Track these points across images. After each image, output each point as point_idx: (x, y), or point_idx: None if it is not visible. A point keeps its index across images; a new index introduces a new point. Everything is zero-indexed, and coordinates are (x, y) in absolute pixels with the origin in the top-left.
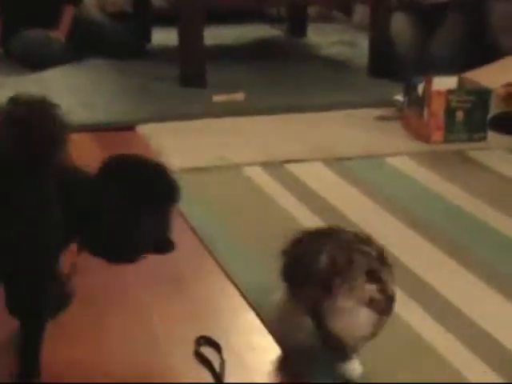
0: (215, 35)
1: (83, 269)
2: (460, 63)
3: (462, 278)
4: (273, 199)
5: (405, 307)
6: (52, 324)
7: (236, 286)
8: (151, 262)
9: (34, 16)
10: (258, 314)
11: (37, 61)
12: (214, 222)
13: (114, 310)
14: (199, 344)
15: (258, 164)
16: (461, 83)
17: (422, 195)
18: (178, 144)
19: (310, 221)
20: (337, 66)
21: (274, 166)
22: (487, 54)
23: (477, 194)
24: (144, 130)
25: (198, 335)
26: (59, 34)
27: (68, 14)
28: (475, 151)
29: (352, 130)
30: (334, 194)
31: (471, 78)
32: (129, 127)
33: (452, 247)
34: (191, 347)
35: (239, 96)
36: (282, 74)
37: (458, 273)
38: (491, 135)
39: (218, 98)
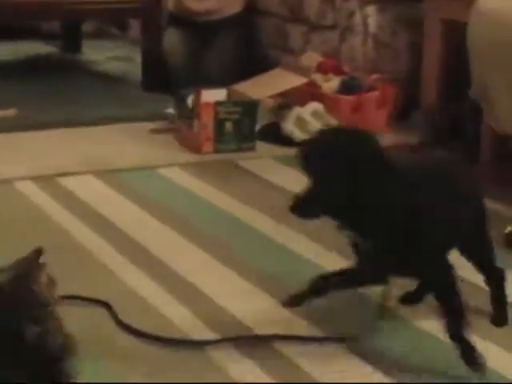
0: None
1: None
2: (231, 76)
3: (229, 279)
4: (45, 213)
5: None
6: None
7: None
8: None
9: None
10: None
11: None
12: None
13: None
14: None
15: (29, 178)
16: (230, 95)
17: (193, 203)
18: None
19: (82, 233)
20: (112, 81)
21: (46, 180)
22: (257, 66)
23: (245, 201)
24: None
25: None
26: None
27: None
28: (244, 160)
29: (125, 143)
30: (106, 206)
31: (240, 90)
32: None
33: (215, 247)
34: None
35: (10, 112)
36: (56, 90)
37: (225, 276)
38: (260, 145)
39: None
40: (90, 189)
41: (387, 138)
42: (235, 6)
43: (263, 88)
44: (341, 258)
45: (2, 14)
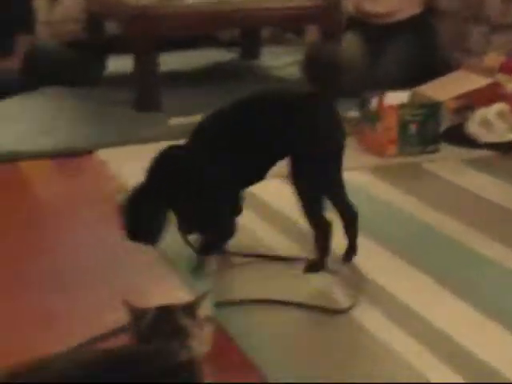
0: (171, 61)
1: None
2: (409, 80)
3: (421, 283)
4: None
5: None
6: None
7: None
8: None
9: None
10: None
11: None
12: None
13: None
14: None
15: None
16: (412, 97)
17: (380, 207)
18: (135, 168)
19: (273, 238)
20: (293, 86)
21: None
22: (436, 70)
23: (432, 204)
24: (102, 154)
25: None
26: (13, 64)
27: (21, 43)
28: (429, 163)
29: None
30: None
31: (422, 92)
32: (87, 152)
33: (409, 254)
34: None
35: (197, 118)
36: (238, 97)
37: (416, 278)
38: (444, 147)
39: (175, 121)
40: (278, 193)
41: None
42: (414, 8)
43: (446, 90)
44: None
45: (183, 24)
